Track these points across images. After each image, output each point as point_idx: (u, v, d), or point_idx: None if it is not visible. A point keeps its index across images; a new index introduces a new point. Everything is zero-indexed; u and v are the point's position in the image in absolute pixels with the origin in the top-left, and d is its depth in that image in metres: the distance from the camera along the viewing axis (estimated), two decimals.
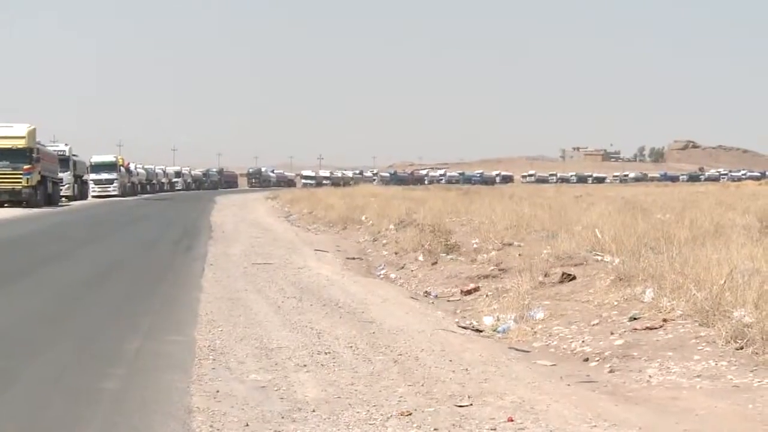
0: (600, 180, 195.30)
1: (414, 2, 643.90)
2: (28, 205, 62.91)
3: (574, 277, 16.91)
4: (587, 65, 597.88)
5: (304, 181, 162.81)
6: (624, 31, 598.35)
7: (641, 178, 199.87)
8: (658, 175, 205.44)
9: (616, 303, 14.39)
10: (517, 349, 12.54)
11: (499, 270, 19.75)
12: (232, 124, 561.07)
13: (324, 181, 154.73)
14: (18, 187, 64.88)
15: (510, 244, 23.55)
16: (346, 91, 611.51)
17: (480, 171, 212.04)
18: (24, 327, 14.02)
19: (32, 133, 67.23)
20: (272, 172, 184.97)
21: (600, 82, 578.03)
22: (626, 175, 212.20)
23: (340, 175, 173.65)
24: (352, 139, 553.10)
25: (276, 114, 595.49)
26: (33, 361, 11.32)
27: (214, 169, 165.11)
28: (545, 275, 17.47)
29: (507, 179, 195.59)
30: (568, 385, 10.40)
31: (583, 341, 12.77)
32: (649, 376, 10.86)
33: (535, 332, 13.65)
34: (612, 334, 12.82)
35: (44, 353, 11.81)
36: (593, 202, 42.06)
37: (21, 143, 65.61)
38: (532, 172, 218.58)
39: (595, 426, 8.41)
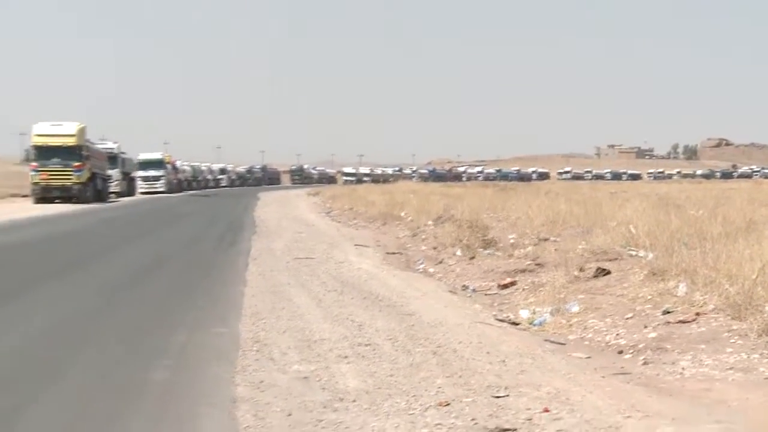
0: (635, 177, 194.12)
1: (450, 1, 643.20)
2: (78, 201, 63.17)
3: (609, 272, 16.85)
4: (622, 64, 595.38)
5: (345, 178, 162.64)
6: (658, 31, 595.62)
7: (710, 175, 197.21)
8: (718, 173, 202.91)
9: (649, 297, 14.34)
10: (552, 342, 12.52)
11: (536, 264, 19.70)
12: (276, 123, 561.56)
13: (364, 178, 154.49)
14: (68, 183, 65.22)
15: (546, 240, 23.50)
16: (386, 90, 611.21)
17: (517, 168, 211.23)
18: (76, 320, 14.11)
19: (82, 132, 67.53)
20: (314, 169, 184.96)
21: (634, 81, 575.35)
22: (695, 173, 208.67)
23: (380, 172, 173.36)
24: (391, 137, 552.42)
25: (318, 113, 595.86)
26: (85, 353, 11.41)
27: (258, 166, 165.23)
28: (580, 270, 17.42)
29: (543, 176, 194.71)
30: (603, 376, 10.38)
31: (617, 334, 12.73)
32: (682, 369, 10.82)
33: (571, 325, 13.62)
34: (646, 327, 12.78)
35: (96, 345, 11.89)
36: (628, 198, 41.85)
37: (71, 141, 65.94)
38: (567, 169, 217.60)
39: (629, 417, 8.39)
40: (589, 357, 11.56)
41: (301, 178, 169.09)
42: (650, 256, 17.17)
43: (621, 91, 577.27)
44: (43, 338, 12.51)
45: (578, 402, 8.86)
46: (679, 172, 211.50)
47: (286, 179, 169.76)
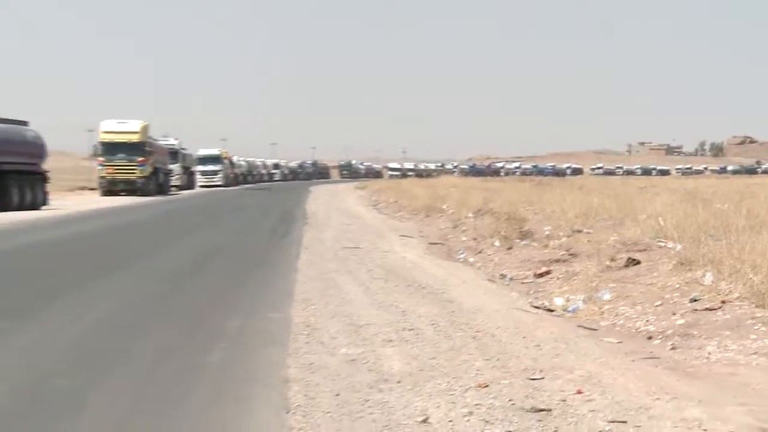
0: (663, 172, 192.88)
1: (492, 2, 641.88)
2: (142, 194, 63.62)
3: (639, 262, 16.76)
4: (653, 65, 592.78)
5: (390, 172, 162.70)
6: (686, 33, 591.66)
7: (741, 171, 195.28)
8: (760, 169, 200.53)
9: (677, 286, 14.25)
10: (585, 328, 12.47)
11: (570, 255, 19.63)
12: (326, 121, 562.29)
13: (408, 173, 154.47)
14: (133, 177, 65.75)
15: (579, 231, 23.40)
16: (429, 89, 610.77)
17: (552, 164, 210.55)
18: (141, 306, 14.19)
19: (145, 129, 68.03)
20: (361, 164, 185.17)
21: (664, 81, 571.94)
22: (724, 168, 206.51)
23: (423, 167, 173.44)
24: (434, 134, 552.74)
25: (365, 111, 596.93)
26: (148, 337, 11.46)
27: (309, 162, 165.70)
28: (612, 260, 17.34)
29: (577, 171, 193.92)
30: (633, 360, 10.33)
31: (647, 321, 12.67)
32: (709, 353, 10.76)
33: (603, 312, 13.55)
34: (674, 314, 12.71)
35: (157, 330, 11.94)
36: (657, 192, 41.65)
37: (135, 138, 66.46)
38: (600, 164, 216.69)
39: (657, 399, 8.35)
40: (620, 342, 11.50)
41: (349, 172, 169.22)
42: (678, 247, 17.06)
43: (651, 91, 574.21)
44: (112, 321, 12.59)
45: (610, 384, 8.82)
46: (705, 168, 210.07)
47: (335, 174, 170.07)
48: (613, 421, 7.49)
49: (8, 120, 50.33)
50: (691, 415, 7.82)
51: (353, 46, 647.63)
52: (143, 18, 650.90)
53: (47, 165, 52.22)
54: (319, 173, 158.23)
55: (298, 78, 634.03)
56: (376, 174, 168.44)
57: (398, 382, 8.84)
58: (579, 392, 8.44)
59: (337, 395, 8.33)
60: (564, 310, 14.12)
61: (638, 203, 29.93)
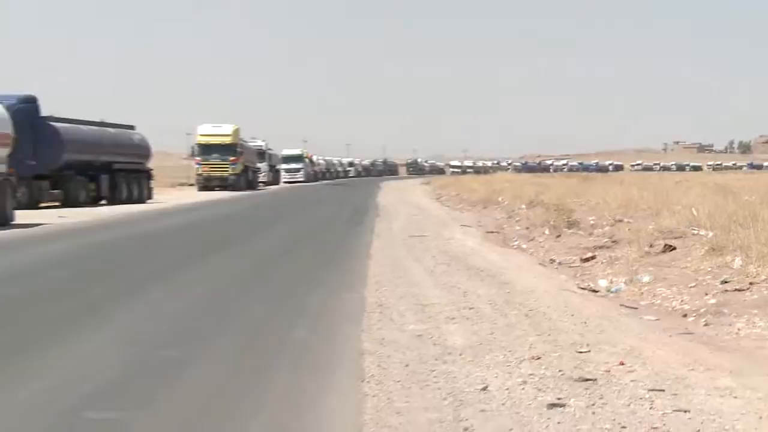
0: (696, 168, 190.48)
1: (547, 4, 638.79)
2: (233, 189, 64.11)
3: (674, 248, 16.58)
4: (688, 68, 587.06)
5: (451, 169, 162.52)
6: (716, 35, 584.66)
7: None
8: None
9: (709, 269, 14.08)
10: (627, 307, 12.35)
11: (612, 242, 19.47)
12: (395, 122, 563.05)
13: (468, 170, 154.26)
14: (225, 174, 66.39)
15: (621, 221, 23.20)
16: (487, 93, 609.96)
17: (596, 161, 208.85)
18: (233, 288, 14.29)
19: (236, 132, 68.61)
20: (426, 162, 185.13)
21: (697, 84, 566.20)
22: (762, 165, 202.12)
23: (481, 164, 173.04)
24: (491, 134, 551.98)
25: (430, 113, 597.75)
26: (239, 315, 11.53)
27: (380, 160, 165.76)
28: (650, 246, 17.17)
29: (618, 168, 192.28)
30: (670, 336, 10.22)
31: (682, 300, 12.53)
32: (738, 329, 10.62)
33: (642, 293, 13.42)
34: (706, 294, 12.56)
35: (246, 309, 12.02)
36: (690, 186, 41.16)
37: (228, 140, 67.07)
38: (639, 161, 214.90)
39: (692, 370, 8.26)
40: (658, 319, 11.39)
41: (415, 169, 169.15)
42: (710, 234, 16.85)
43: (685, 93, 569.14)
44: (209, 300, 12.68)
45: (649, 357, 8.73)
46: (734, 164, 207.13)
47: (402, 171, 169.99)
48: (652, 390, 7.42)
49: (118, 125, 50.99)
50: (722, 384, 7.73)
51: (420, 55, 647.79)
52: (238, 33, 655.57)
53: (151, 164, 52.84)
54: (388, 170, 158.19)
55: (372, 83, 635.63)
56: (439, 171, 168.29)
57: (460, 354, 8.82)
58: (621, 364, 8.37)
59: (407, 366, 8.33)
60: (607, 291, 13.99)
61: (673, 196, 29.61)
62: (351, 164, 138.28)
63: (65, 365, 8.50)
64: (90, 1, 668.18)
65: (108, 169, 46.63)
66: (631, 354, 8.83)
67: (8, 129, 32.21)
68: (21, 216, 31.76)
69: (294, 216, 34.44)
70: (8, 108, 33.41)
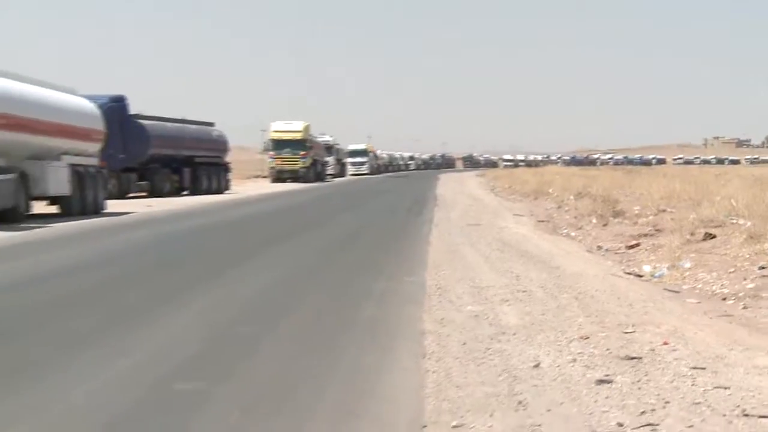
0: (734, 162, 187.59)
1: (604, 5, 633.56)
2: (303, 181, 64.53)
3: (714, 236, 16.36)
4: (728, 66, 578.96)
5: (504, 163, 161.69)
6: (754, 35, 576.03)
7: None
8: None
9: (748, 256, 13.87)
10: (669, 290, 12.21)
11: (655, 230, 19.27)
12: (453, 119, 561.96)
13: (520, 163, 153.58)
14: (296, 167, 66.85)
15: (664, 211, 22.98)
16: (539, 90, 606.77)
17: (640, 155, 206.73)
18: (300, 271, 14.36)
19: (307, 128, 69.02)
20: (481, 156, 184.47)
21: (739, 80, 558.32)
22: None
23: (532, 158, 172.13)
24: (542, 129, 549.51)
25: (485, 111, 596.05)
26: (308, 296, 11.59)
27: (438, 154, 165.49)
28: (691, 234, 16.96)
29: (661, 161, 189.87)
30: (710, 318, 10.10)
31: (721, 285, 12.36)
32: None
33: (684, 278, 13.26)
34: (745, 279, 12.38)
35: (315, 291, 12.07)
36: (729, 179, 40.64)
37: (298, 135, 67.53)
38: (680, 155, 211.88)
39: (732, 349, 8.15)
40: (699, 302, 11.25)
41: (471, 163, 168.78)
42: (748, 223, 16.61)
43: (725, 91, 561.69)
44: (278, 283, 12.75)
45: (691, 337, 8.64)
46: None
47: (459, 164, 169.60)
48: (694, 368, 7.34)
49: (199, 122, 51.50)
50: (761, 363, 7.62)
51: (476, 56, 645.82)
52: (309, 36, 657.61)
53: (229, 157, 53.29)
54: (446, 164, 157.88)
55: (430, 82, 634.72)
56: (493, 164, 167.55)
57: (514, 334, 8.79)
58: (665, 343, 8.29)
59: (464, 344, 8.31)
60: (651, 276, 13.85)
61: (713, 187, 29.28)
62: (411, 158, 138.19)
63: (153, 342, 8.59)
64: (174, 9, 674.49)
65: (190, 162, 47.13)
66: (674, 334, 8.74)
67: (100, 126, 32.67)
68: (111, 205, 32.21)
69: (358, 206, 34.51)
70: (100, 107, 33.87)
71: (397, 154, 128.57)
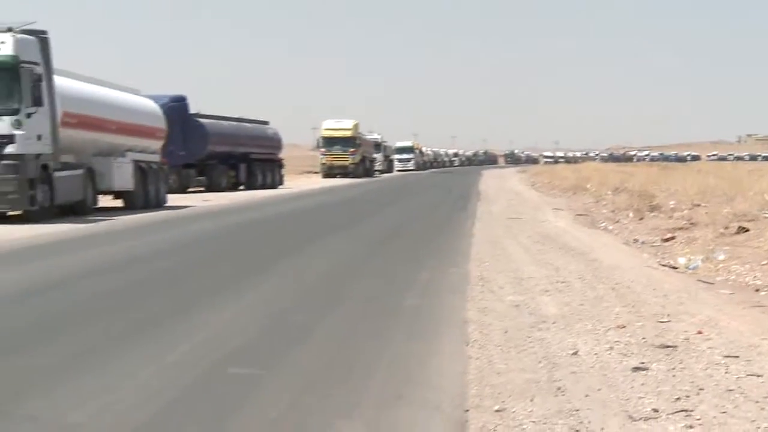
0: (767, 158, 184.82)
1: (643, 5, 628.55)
2: (353, 177, 64.71)
3: (748, 230, 16.16)
4: (761, 65, 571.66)
5: (544, 159, 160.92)
6: None
7: None
8: None
9: None
10: (704, 282, 12.07)
11: (690, 224, 19.06)
12: (495, 118, 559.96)
13: (559, 160, 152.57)
14: (346, 164, 67.10)
15: (698, 205, 22.73)
16: (577, 89, 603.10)
17: (675, 152, 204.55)
18: (349, 262, 14.38)
19: (356, 126, 69.19)
20: (522, 153, 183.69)
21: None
22: None
23: (571, 155, 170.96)
24: (580, 127, 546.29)
25: (526, 109, 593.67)
26: (357, 285, 11.61)
27: (481, 151, 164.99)
28: (725, 228, 16.76)
29: (695, 158, 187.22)
30: (743, 308, 9.96)
31: (754, 276, 12.19)
32: None
33: (718, 270, 13.10)
34: None
35: (363, 281, 12.09)
36: (762, 174, 40.00)
37: (348, 133, 67.75)
38: (714, 152, 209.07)
39: (764, 339, 8.03)
40: (732, 293, 11.11)
41: (512, 159, 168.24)
42: None
43: (758, 88, 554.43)
44: (330, 272, 12.79)
45: (725, 327, 8.53)
46: None
47: (501, 161, 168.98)
48: (727, 356, 7.25)
49: (255, 120, 51.76)
50: None
51: (515, 56, 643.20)
52: (353, 43, 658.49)
53: (282, 154, 53.48)
54: (488, 160, 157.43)
55: (473, 82, 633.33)
56: (533, 161, 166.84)
57: (553, 323, 8.74)
58: (699, 333, 8.20)
59: (506, 332, 8.28)
60: (686, 268, 13.69)
61: (747, 183, 28.89)
62: (455, 155, 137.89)
63: (209, 329, 8.65)
64: (232, 17, 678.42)
65: (246, 158, 47.39)
66: (708, 324, 8.64)
67: (162, 124, 32.95)
68: (172, 199, 32.48)
69: (405, 200, 34.51)
70: (162, 106, 34.16)
71: (441, 151, 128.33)
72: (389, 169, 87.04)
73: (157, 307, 9.83)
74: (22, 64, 22.31)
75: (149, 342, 7.96)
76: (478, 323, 8.73)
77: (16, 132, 21.99)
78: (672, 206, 23.57)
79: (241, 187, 46.32)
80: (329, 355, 7.45)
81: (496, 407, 5.84)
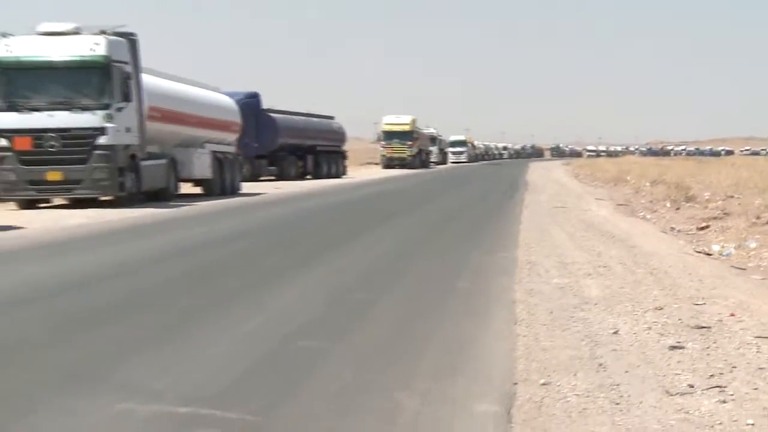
0: None
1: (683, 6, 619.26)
2: (410, 168, 64.91)
3: None
4: None
5: (587, 153, 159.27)
6: None
7: None
8: None
9: None
10: (736, 268, 11.88)
11: (724, 214, 18.75)
12: (541, 113, 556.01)
13: (601, 153, 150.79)
14: (404, 156, 67.30)
15: (731, 197, 22.35)
16: (619, 87, 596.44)
17: (709, 147, 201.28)
18: (406, 246, 14.40)
19: (413, 121, 69.26)
20: (566, 147, 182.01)
21: None
22: None
23: (612, 149, 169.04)
24: (621, 123, 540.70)
25: (570, 105, 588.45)
26: (413, 267, 11.61)
27: (528, 145, 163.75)
28: (757, 218, 16.47)
29: (729, 152, 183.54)
30: None
31: None
32: None
33: (750, 257, 12.87)
34: None
35: (419, 263, 12.08)
36: None
37: (406, 128, 67.91)
38: (747, 147, 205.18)
39: None
40: (764, 279, 10.91)
41: (557, 153, 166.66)
42: None
43: None
44: (387, 256, 12.81)
45: (756, 309, 8.39)
46: None
47: (547, 154, 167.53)
48: (758, 337, 7.13)
49: (321, 115, 51.96)
50: None
51: (561, 57, 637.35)
52: (410, 44, 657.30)
53: (346, 147, 53.64)
54: (535, 154, 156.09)
55: (523, 80, 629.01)
56: (577, 154, 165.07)
57: (595, 304, 8.66)
58: (732, 315, 8.07)
59: (551, 313, 8.23)
60: (719, 255, 13.48)
61: None
62: (505, 148, 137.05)
63: (280, 305, 8.72)
64: (305, 24, 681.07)
65: (312, 150, 47.62)
66: (740, 307, 8.51)
67: (237, 119, 33.23)
68: (246, 187, 32.77)
69: (458, 189, 34.40)
70: (237, 102, 34.44)
71: (492, 145, 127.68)
72: (444, 161, 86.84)
73: (232, 284, 9.94)
74: (113, 64, 22.65)
75: (223, 317, 8.06)
76: (526, 304, 8.69)
77: (108, 125, 22.35)
78: (707, 197, 23.21)
79: (308, 177, 46.55)
80: (389, 331, 7.47)
81: (542, 381, 5.82)
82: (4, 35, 22.72)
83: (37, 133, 22.11)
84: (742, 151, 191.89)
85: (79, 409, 5.15)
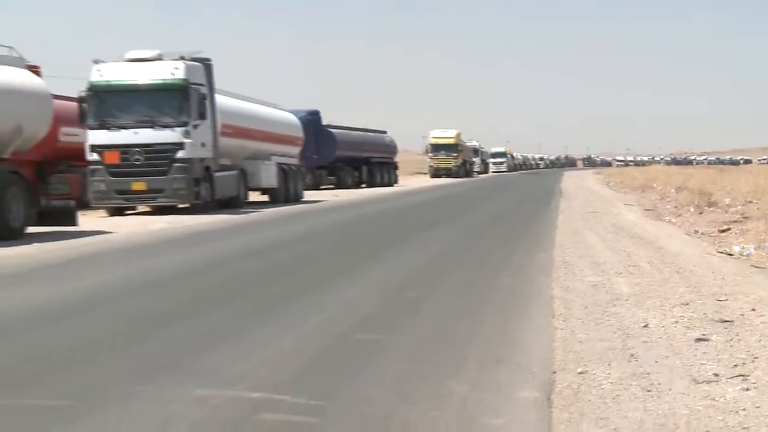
0: None
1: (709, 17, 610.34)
2: (455, 177, 64.92)
3: None
4: None
5: (617, 163, 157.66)
6: None
7: None
8: None
9: None
10: (756, 267, 11.62)
11: (744, 217, 18.41)
12: (574, 126, 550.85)
13: (629, 163, 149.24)
14: (450, 166, 67.37)
15: (750, 202, 21.94)
16: (647, 100, 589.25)
17: (729, 156, 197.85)
18: (452, 247, 14.35)
19: (458, 135, 69.22)
20: (597, 157, 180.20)
21: None
22: None
23: (639, 159, 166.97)
24: (648, 135, 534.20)
25: (602, 121, 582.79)
26: (459, 266, 11.57)
27: (562, 156, 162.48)
28: None
29: (747, 161, 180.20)
30: None
31: None
32: None
33: None
34: None
35: (464, 262, 12.03)
36: None
37: (452, 141, 67.98)
38: (765, 157, 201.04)
39: None
40: None
41: (589, 163, 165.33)
42: None
43: None
44: (435, 257, 12.78)
45: None
46: None
47: (579, 164, 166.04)
48: None
49: (374, 130, 52.15)
50: None
51: (592, 71, 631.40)
52: (457, 63, 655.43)
53: (397, 158, 53.70)
54: (568, 164, 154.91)
55: (557, 95, 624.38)
56: (607, 164, 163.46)
57: (626, 300, 8.56)
58: (753, 310, 7.92)
59: (586, 308, 8.15)
60: (740, 255, 13.21)
61: None
62: (541, 158, 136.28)
63: (337, 303, 8.76)
64: (360, 45, 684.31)
65: (367, 161, 47.79)
66: (761, 302, 8.34)
67: (300, 134, 33.47)
68: (308, 195, 32.96)
69: (499, 196, 34.22)
70: (300, 119, 34.70)
71: (529, 156, 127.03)
72: (485, 170, 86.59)
73: (295, 283, 9.99)
74: (191, 86, 22.96)
75: (288, 313, 8.11)
76: (563, 299, 8.62)
77: (186, 140, 22.67)
78: (727, 202, 22.82)
79: (363, 185, 46.70)
80: (436, 325, 7.46)
81: (579, 370, 5.77)
82: (96, 62, 23.18)
83: (124, 148, 22.50)
84: (759, 160, 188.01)
85: (164, 397, 5.23)
